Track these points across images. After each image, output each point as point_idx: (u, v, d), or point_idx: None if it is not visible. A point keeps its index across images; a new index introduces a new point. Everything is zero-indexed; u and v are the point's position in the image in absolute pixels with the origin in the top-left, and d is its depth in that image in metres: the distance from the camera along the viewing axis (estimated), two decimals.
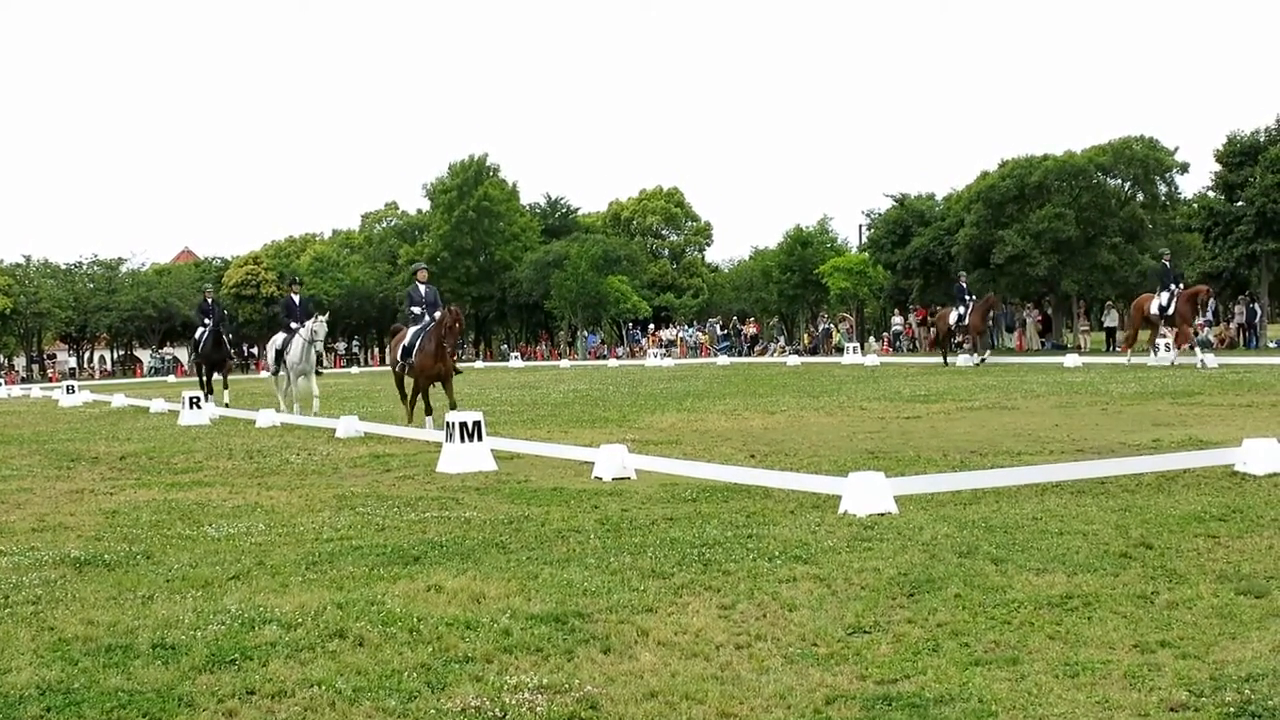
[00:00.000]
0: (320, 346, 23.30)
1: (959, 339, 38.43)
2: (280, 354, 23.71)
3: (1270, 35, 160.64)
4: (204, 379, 30.04)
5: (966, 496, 10.05)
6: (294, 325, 23.34)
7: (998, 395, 22.38)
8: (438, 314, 19.04)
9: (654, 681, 5.38)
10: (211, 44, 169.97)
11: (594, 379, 36.81)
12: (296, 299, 24.37)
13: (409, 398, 19.80)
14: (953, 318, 37.99)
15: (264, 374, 26.53)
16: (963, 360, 36.75)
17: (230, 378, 29.43)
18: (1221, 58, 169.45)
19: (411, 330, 19.41)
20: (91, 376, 70.85)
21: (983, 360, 36.22)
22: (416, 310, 19.58)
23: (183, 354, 79.21)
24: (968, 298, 38.16)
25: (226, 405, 26.43)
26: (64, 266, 76.08)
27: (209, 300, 30.21)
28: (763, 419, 19.06)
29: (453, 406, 17.99)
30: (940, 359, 37.96)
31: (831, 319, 61.63)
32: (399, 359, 19.59)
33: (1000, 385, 25.33)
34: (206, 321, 28.96)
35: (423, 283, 19.91)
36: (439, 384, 19.26)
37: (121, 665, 5.91)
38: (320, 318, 23.21)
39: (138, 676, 5.71)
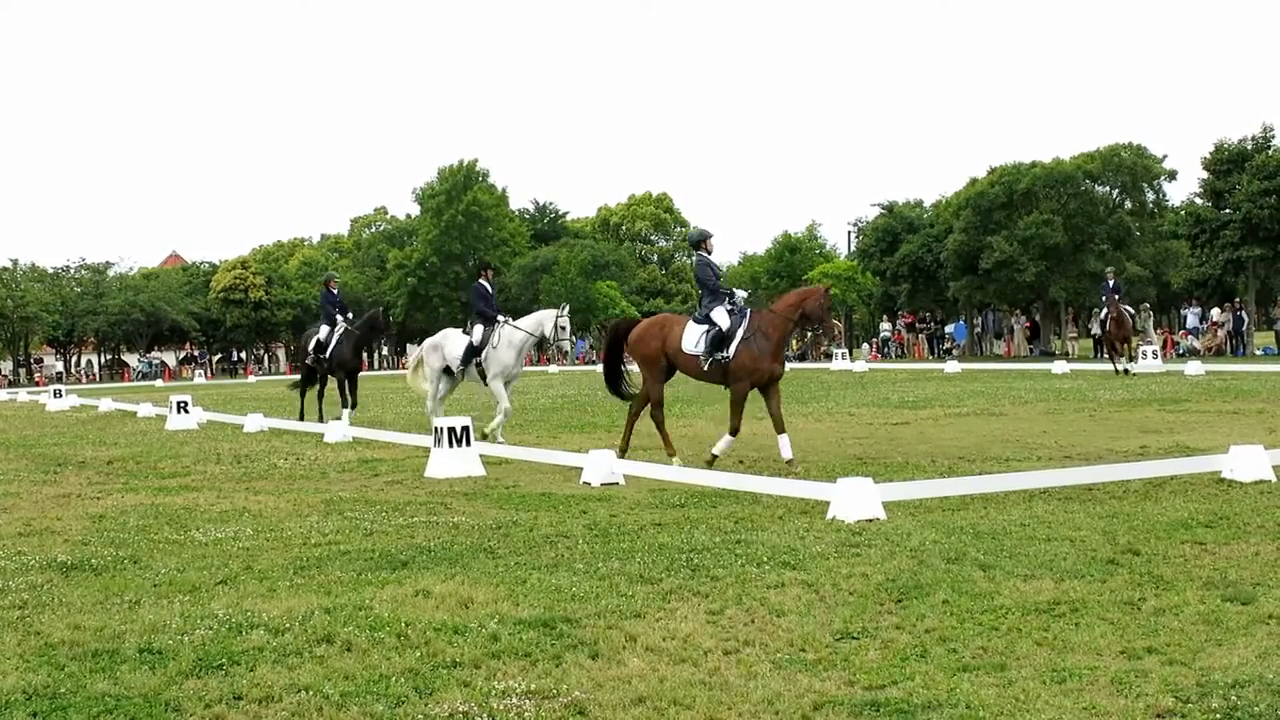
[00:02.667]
0: (568, 346, 19.05)
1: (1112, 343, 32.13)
2: (475, 350, 18.25)
3: (1257, 44, 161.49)
4: (305, 389, 24.00)
5: (954, 502, 10.07)
6: (502, 318, 18.51)
7: (986, 402, 22.42)
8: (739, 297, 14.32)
9: (642, 687, 5.38)
10: (200, 48, 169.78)
11: (582, 384, 36.83)
12: (490, 286, 19.11)
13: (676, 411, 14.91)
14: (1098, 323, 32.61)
15: (423, 376, 19.34)
16: (1122, 366, 31.27)
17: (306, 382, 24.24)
18: (1209, 66, 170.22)
19: (722, 315, 13.83)
20: (79, 381, 70.64)
21: (1125, 371, 30.84)
22: (733, 292, 14.34)
23: (170, 358, 79.11)
24: (1106, 298, 32.36)
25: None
26: (51, 270, 75.84)
27: (335, 291, 23.47)
28: (750, 425, 19.04)
29: (781, 429, 13.67)
30: (1113, 367, 31.63)
31: None
32: (695, 353, 13.83)
33: (988, 392, 25.38)
34: (340, 319, 22.80)
35: (710, 252, 14.69)
36: (755, 392, 14.02)
37: (108, 670, 5.89)
38: (566, 307, 18.99)
39: (124, 681, 5.70)
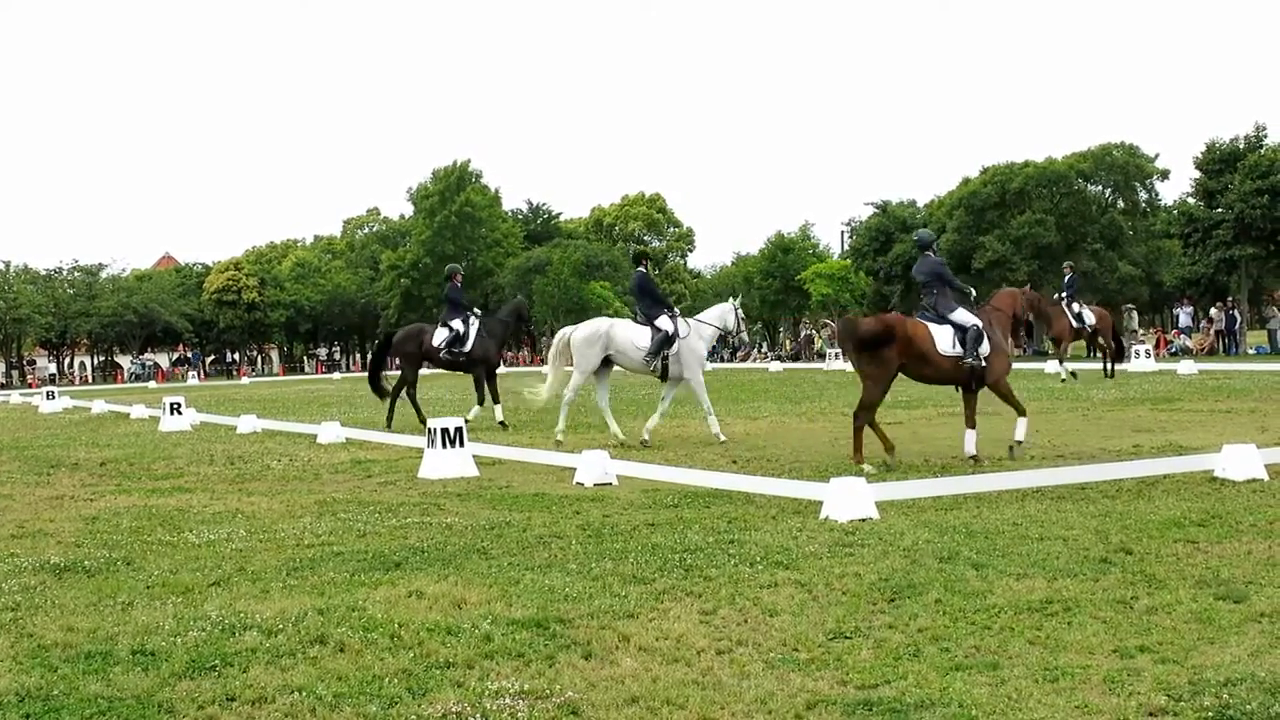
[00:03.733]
0: (746, 336, 17.65)
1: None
2: (669, 340, 16.66)
3: (1250, 43, 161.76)
4: (414, 391, 21.51)
5: (947, 502, 10.07)
6: (675, 310, 17.35)
7: (979, 401, 22.36)
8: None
9: (635, 687, 5.38)
10: (193, 49, 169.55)
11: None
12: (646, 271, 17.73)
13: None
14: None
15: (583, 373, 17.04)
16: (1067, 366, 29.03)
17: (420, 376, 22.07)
18: (1202, 65, 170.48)
19: (968, 315, 13.71)
20: (72, 382, 70.53)
21: (1073, 374, 28.28)
22: (972, 290, 14.34)
23: (163, 359, 78.98)
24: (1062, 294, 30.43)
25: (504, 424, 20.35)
26: (44, 272, 75.75)
27: (460, 284, 21.73)
28: (745, 425, 19.07)
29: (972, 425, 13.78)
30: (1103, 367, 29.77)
31: (813, 325, 61.72)
32: (954, 355, 13.50)
33: (981, 391, 25.32)
34: (477, 312, 21.35)
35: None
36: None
37: (101, 672, 5.89)
38: (740, 295, 17.73)
39: (117, 683, 5.69)
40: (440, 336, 20.89)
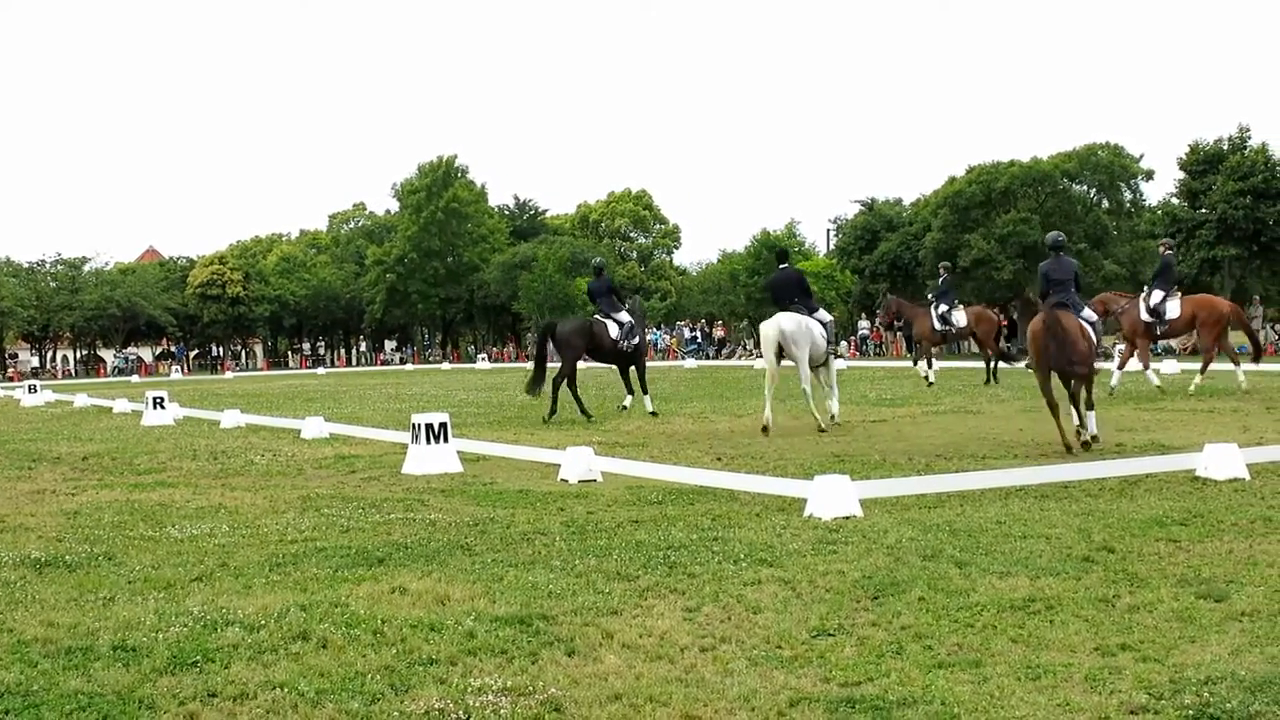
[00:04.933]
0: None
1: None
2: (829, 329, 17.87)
3: (1235, 44, 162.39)
4: (574, 382, 20.96)
5: (931, 500, 10.09)
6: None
7: (963, 399, 22.47)
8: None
9: (618, 684, 5.38)
10: (178, 42, 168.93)
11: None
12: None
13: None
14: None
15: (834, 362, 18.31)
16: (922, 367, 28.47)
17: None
18: (1187, 67, 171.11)
19: (1091, 313, 14.99)
20: (54, 376, 70.22)
21: (929, 381, 27.22)
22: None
23: (146, 354, 78.69)
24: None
25: (654, 414, 20.67)
26: (26, 265, 75.48)
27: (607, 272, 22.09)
28: (729, 422, 19.08)
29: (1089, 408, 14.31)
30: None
31: None
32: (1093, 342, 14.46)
33: (965, 390, 25.44)
34: (628, 305, 21.71)
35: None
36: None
37: (81, 667, 5.86)
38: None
39: (98, 679, 5.66)
40: (615, 329, 20.86)
